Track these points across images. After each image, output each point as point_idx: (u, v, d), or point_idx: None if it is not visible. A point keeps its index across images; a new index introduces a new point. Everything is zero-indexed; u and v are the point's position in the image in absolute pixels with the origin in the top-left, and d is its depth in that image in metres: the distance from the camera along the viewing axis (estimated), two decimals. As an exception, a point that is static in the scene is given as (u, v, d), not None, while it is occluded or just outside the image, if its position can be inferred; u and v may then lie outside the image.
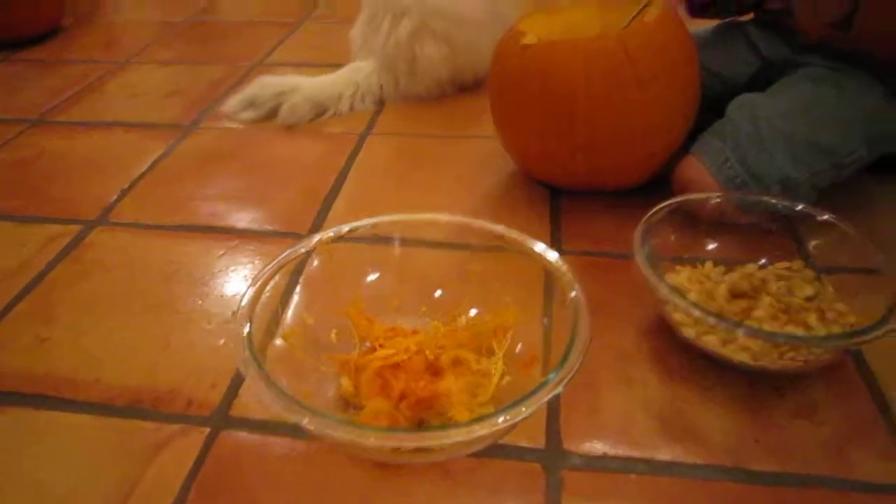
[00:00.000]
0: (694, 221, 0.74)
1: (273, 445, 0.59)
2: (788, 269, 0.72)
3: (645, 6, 0.86)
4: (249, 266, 0.82)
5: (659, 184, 0.85)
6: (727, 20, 1.01)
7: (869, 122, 0.83)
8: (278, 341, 0.60)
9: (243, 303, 0.57)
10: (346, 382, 0.59)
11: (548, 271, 0.61)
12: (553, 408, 0.62)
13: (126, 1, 1.96)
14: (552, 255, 0.61)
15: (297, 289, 0.64)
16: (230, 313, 0.74)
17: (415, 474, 0.57)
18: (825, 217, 0.71)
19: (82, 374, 0.67)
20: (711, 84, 0.89)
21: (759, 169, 0.78)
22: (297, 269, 0.64)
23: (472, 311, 0.66)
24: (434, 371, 0.59)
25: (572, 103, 0.79)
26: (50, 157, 1.09)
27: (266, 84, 1.17)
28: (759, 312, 0.67)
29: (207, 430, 0.61)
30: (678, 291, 0.63)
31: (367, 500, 0.55)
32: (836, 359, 0.65)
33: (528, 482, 0.56)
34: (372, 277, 0.67)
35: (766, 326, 0.65)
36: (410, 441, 0.50)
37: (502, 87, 0.87)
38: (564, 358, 0.51)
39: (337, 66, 1.24)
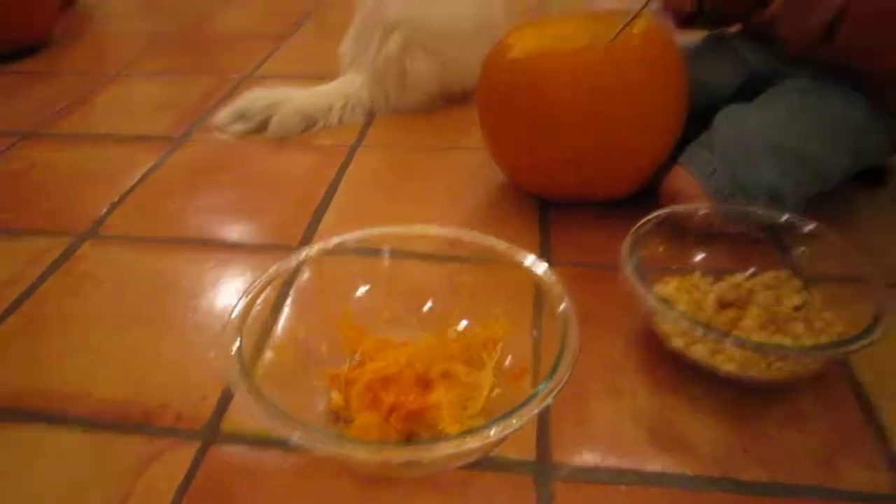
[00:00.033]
0: (682, 232, 0.75)
1: (264, 459, 0.59)
2: (776, 278, 0.73)
3: (632, 18, 0.86)
4: (240, 279, 0.82)
5: (648, 195, 0.85)
6: (714, 32, 1.02)
7: (854, 135, 0.84)
8: (268, 354, 0.60)
9: (233, 316, 0.57)
10: (336, 396, 0.59)
11: (537, 284, 0.61)
12: (543, 419, 0.62)
13: (117, 13, 1.96)
14: (541, 267, 0.62)
15: (288, 302, 0.64)
16: (221, 327, 0.73)
17: (406, 487, 0.57)
18: (812, 226, 0.72)
19: (72, 389, 0.67)
20: (698, 95, 0.90)
21: (746, 180, 0.79)
22: (287, 282, 0.64)
23: (463, 323, 0.66)
24: (424, 384, 0.59)
25: (560, 116, 0.80)
26: (41, 170, 1.09)
27: (256, 96, 1.17)
28: (747, 322, 0.67)
29: (198, 444, 0.61)
30: (666, 303, 0.64)
31: (358, 514, 0.55)
32: (824, 368, 0.66)
33: (518, 494, 0.56)
34: (362, 290, 0.67)
35: (755, 336, 0.65)
36: (401, 455, 0.50)
37: (490, 101, 0.88)
38: (553, 370, 0.51)
39: (327, 78, 1.24)
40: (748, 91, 0.93)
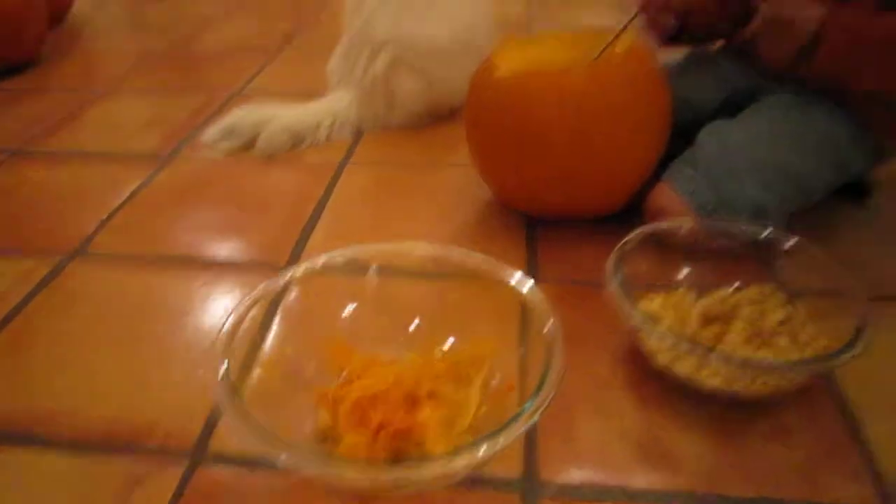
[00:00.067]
0: (666, 248, 0.75)
1: (252, 479, 0.59)
2: (760, 293, 0.73)
3: (615, 38, 0.88)
4: (228, 297, 0.82)
5: (635, 210, 0.86)
6: (697, 49, 1.04)
7: (836, 150, 0.85)
8: (256, 374, 0.60)
9: (221, 336, 0.57)
10: (324, 415, 0.60)
11: (523, 302, 0.62)
12: (530, 437, 0.62)
13: (106, 30, 1.97)
14: (528, 285, 0.62)
15: (275, 321, 0.64)
16: (209, 346, 0.74)
17: (394, 506, 0.57)
18: (795, 241, 0.73)
19: (59, 409, 0.67)
20: (682, 111, 0.91)
21: (729, 195, 0.80)
22: (274, 301, 0.64)
23: (449, 341, 0.66)
24: (412, 402, 0.59)
25: (546, 135, 0.81)
26: (29, 188, 1.08)
27: (244, 114, 1.17)
28: (731, 337, 0.68)
29: (186, 464, 0.61)
30: (650, 320, 0.64)
31: (346, 534, 0.55)
32: (809, 382, 0.66)
33: (506, 512, 0.56)
34: (350, 308, 0.67)
35: (739, 351, 0.66)
36: (389, 475, 0.50)
37: (477, 119, 0.89)
38: (539, 388, 0.52)
39: (316, 95, 1.25)
40: (731, 107, 0.94)
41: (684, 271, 0.77)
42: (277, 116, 1.16)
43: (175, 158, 1.16)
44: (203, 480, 0.59)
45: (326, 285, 0.67)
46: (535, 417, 0.49)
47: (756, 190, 0.80)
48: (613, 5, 2.12)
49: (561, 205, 0.88)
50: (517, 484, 0.58)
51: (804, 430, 0.63)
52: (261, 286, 0.63)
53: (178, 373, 0.71)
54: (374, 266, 0.68)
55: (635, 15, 0.95)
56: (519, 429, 0.49)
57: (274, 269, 0.86)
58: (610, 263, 0.68)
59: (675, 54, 1.04)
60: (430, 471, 0.48)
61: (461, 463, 0.47)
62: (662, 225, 0.76)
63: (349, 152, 1.16)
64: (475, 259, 0.66)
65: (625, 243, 0.72)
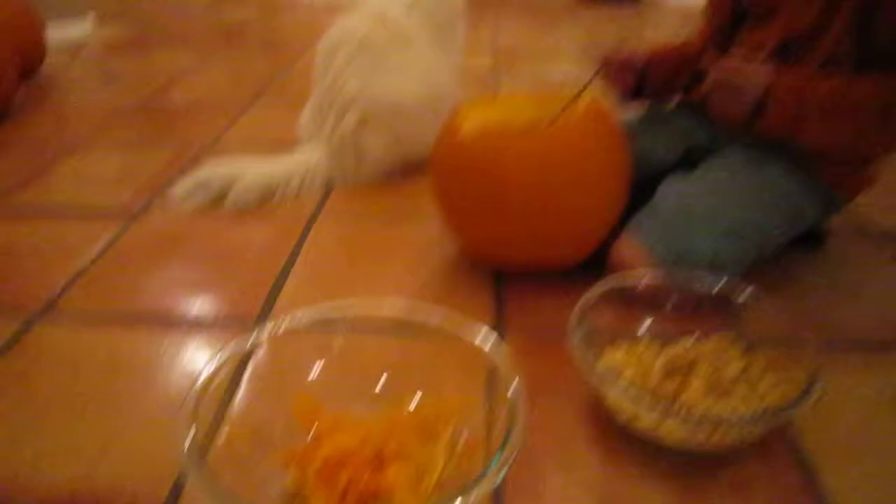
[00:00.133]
0: (629, 300, 0.77)
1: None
2: (719, 343, 0.75)
3: (575, 97, 0.91)
4: (197, 356, 0.82)
5: (599, 260, 0.88)
6: (655, 104, 1.08)
7: (790, 203, 0.89)
8: (224, 435, 0.60)
9: (189, 400, 0.57)
10: (291, 477, 0.60)
11: (489, 360, 0.63)
12: (498, 494, 0.63)
13: (77, 84, 1.98)
14: (494, 342, 0.63)
15: (244, 381, 0.64)
16: (176, 409, 0.73)
17: (361, 568, 0.57)
18: (751, 291, 0.76)
19: (23, 473, 0.66)
20: (642, 165, 0.94)
21: (688, 248, 0.82)
22: (242, 361, 0.65)
23: (417, 397, 0.67)
24: (379, 461, 0.60)
25: (509, 194, 0.83)
26: (-4, 245, 1.08)
27: (215, 169, 1.19)
28: (692, 390, 0.69)
29: (151, 529, 0.60)
30: (612, 376, 0.66)
31: None
32: (768, 431, 0.68)
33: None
34: (317, 367, 0.68)
35: (699, 404, 0.68)
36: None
37: (443, 180, 0.91)
38: (503, 445, 0.53)
39: (287, 147, 1.27)
40: (690, 159, 0.98)
41: (646, 323, 0.79)
42: (248, 171, 1.18)
43: (145, 213, 1.16)
44: (169, 546, 0.59)
45: (294, 344, 0.67)
46: (500, 477, 0.50)
47: (714, 242, 0.83)
48: (579, 58, 2.19)
49: (527, 259, 0.90)
50: (484, 542, 0.58)
51: (763, 483, 0.64)
52: (229, 346, 0.64)
53: (146, 435, 0.70)
54: (341, 325, 0.69)
55: (596, 73, 0.99)
56: (484, 489, 0.50)
57: (243, 326, 0.87)
58: (573, 318, 0.70)
59: (634, 110, 1.08)
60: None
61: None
62: (624, 278, 0.78)
63: (319, 207, 1.17)
64: (441, 316, 0.67)
65: (588, 296, 0.74)
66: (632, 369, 0.72)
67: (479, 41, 2.37)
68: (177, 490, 0.64)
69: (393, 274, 0.98)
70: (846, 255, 1.01)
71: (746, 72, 0.83)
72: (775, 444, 0.68)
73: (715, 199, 0.86)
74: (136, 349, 0.83)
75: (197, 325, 0.88)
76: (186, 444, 0.53)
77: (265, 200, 1.18)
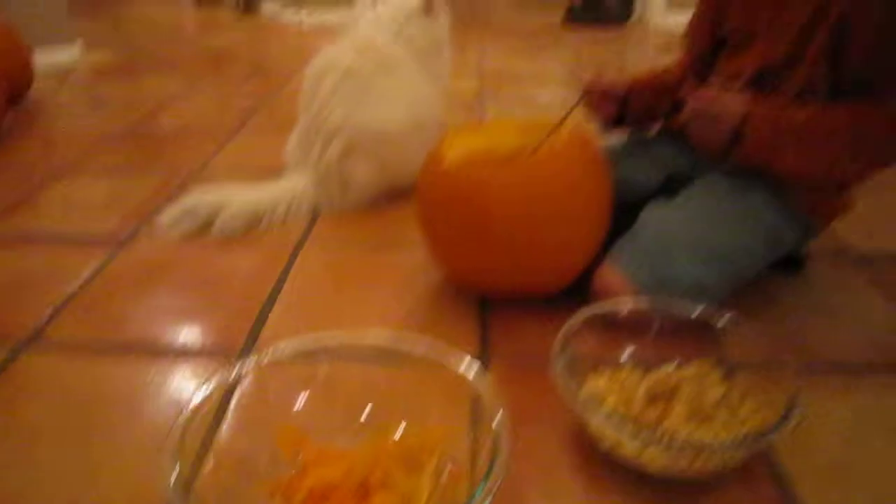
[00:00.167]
0: (611, 327, 0.79)
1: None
2: (700, 369, 0.76)
3: (558, 125, 0.93)
4: (183, 387, 0.82)
5: (583, 286, 0.89)
6: (637, 132, 1.10)
7: (770, 230, 0.91)
8: (209, 467, 0.60)
9: (173, 434, 0.57)
10: (277, 506, 0.60)
11: (473, 389, 0.63)
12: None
13: (65, 110, 1.98)
14: (478, 371, 0.64)
15: (229, 413, 0.65)
16: (163, 438, 0.73)
17: None
18: (730, 317, 0.77)
19: (6, 508, 0.66)
20: (624, 192, 0.95)
21: (669, 274, 0.84)
22: (227, 393, 0.65)
23: (401, 427, 0.67)
24: (365, 490, 0.60)
25: (493, 222, 0.84)
26: (-19, 274, 1.08)
27: (202, 196, 1.19)
28: (674, 416, 0.70)
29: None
30: (594, 404, 0.67)
31: None
32: (749, 456, 0.69)
33: None
34: (302, 397, 0.68)
35: (681, 430, 0.69)
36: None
37: (427, 209, 0.93)
38: (487, 475, 0.54)
39: (274, 172, 1.28)
40: (671, 186, 0.99)
41: (628, 350, 0.80)
42: (235, 198, 1.19)
43: (132, 241, 1.17)
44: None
45: (279, 375, 0.68)
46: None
47: (694, 269, 0.84)
48: (563, 82, 2.22)
49: (511, 286, 0.91)
50: (468, 572, 0.59)
51: (745, 505, 0.65)
52: (214, 377, 0.64)
53: (132, 464, 0.70)
54: (325, 355, 0.69)
55: (579, 101, 1.01)
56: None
57: (230, 354, 0.87)
58: (556, 345, 0.71)
59: (616, 137, 1.10)
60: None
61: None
62: (606, 305, 0.79)
63: (306, 233, 1.18)
64: (425, 345, 0.68)
65: (571, 324, 0.75)
66: (614, 396, 0.73)
67: (466, 64, 2.40)
68: (162, 522, 0.64)
69: (379, 300, 0.99)
70: (825, 279, 1.03)
71: (723, 101, 0.85)
72: (757, 468, 0.69)
73: (696, 227, 0.88)
74: (122, 378, 0.83)
75: (184, 354, 0.88)
76: (172, 479, 0.53)
77: (252, 227, 1.19)
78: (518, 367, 0.84)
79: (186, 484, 0.54)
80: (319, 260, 1.11)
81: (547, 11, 3.48)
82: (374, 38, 1.23)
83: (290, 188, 1.23)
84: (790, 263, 1.02)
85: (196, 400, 0.61)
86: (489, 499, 0.52)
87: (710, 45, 1.00)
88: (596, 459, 0.69)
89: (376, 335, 0.70)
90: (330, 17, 3.15)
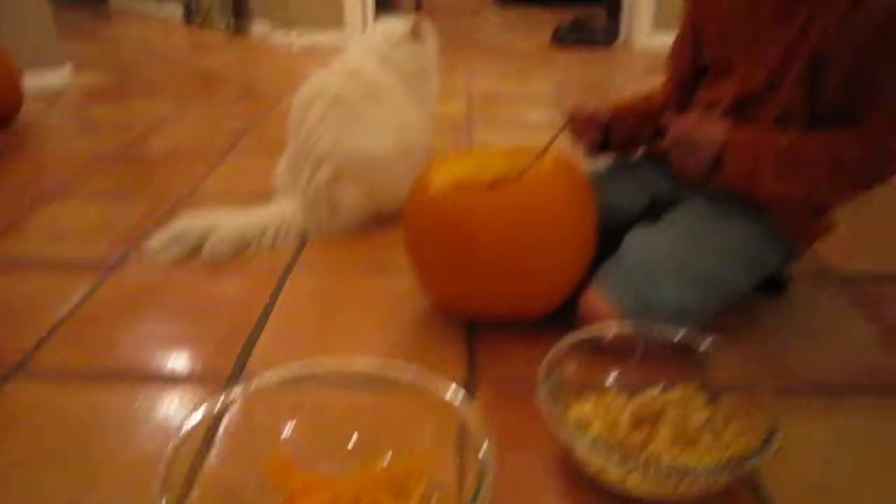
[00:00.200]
0: (596, 351, 0.80)
1: None
2: (684, 393, 0.77)
3: (543, 151, 0.94)
4: (170, 414, 0.82)
5: (569, 309, 0.90)
6: (621, 156, 1.11)
7: (752, 254, 0.92)
8: (196, 496, 0.60)
9: (160, 464, 0.58)
10: (264, 536, 0.60)
11: (460, 417, 0.64)
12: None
13: (56, 132, 1.99)
14: (464, 399, 0.65)
15: (216, 442, 0.65)
16: (150, 465, 0.73)
17: None
18: (713, 340, 0.78)
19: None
20: (609, 215, 0.97)
21: (654, 299, 0.85)
22: (215, 423, 0.65)
23: (388, 455, 0.68)
24: (352, 519, 0.61)
25: (479, 248, 0.86)
26: (-32, 301, 1.08)
27: (191, 220, 1.20)
28: (659, 440, 0.71)
29: None
30: (579, 430, 0.67)
31: None
32: (733, 479, 0.70)
33: None
34: (289, 426, 0.69)
35: (666, 454, 0.70)
36: None
37: (414, 235, 0.94)
38: (473, 502, 0.54)
39: (264, 195, 1.29)
40: (655, 209, 1.01)
41: (613, 374, 0.81)
42: (224, 223, 1.19)
43: (121, 266, 1.17)
44: None
45: (266, 403, 0.68)
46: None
47: (679, 293, 0.86)
48: (552, 103, 2.25)
49: (498, 311, 0.92)
50: None
51: (728, 530, 0.66)
52: (201, 408, 0.64)
53: (120, 492, 0.70)
54: (312, 383, 0.70)
55: (563, 127, 1.03)
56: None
57: (218, 381, 0.87)
58: (541, 372, 0.72)
59: (601, 162, 1.12)
60: None
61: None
62: (591, 330, 0.80)
63: (294, 258, 1.19)
64: (412, 372, 0.69)
65: (556, 350, 0.75)
66: (600, 420, 0.74)
67: (454, 86, 2.42)
68: (150, 551, 0.64)
69: (367, 325, 0.99)
70: (807, 300, 1.05)
71: (704, 129, 0.87)
72: (740, 491, 0.70)
73: (680, 251, 0.89)
74: (110, 406, 0.84)
75: (172, 381, 0.88)
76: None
77: (241, 252, 1.20)
78: (505, 392, 0.85)
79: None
80: (308, 285, 1.11)
81: (535, 33, 3.52)
82: (362, 65, 1.25)
83: (279, 213, 1.24)
84: (772, 285, 1.03)
85: (184, 429, 0.62)
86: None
87: (691, 72, 1.02)
88: (582, 485, 0.70)
89: (363, 362, 0.71)
90: (319, 38, 3.17)
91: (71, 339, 0.97)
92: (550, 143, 0.96)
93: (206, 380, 0.88)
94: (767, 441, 0.65)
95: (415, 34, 1.30)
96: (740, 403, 0.74)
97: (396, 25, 1.31)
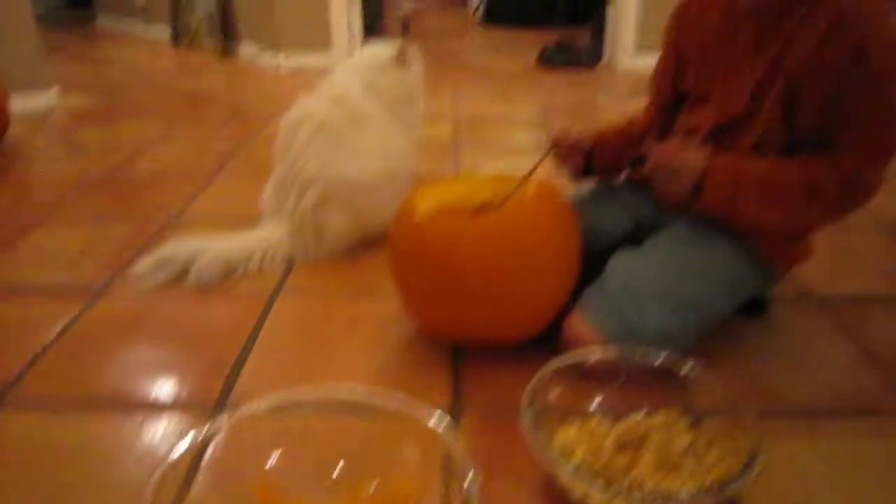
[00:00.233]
0: (580, 376, 0.80)
1: None
2: (667, 417, 0.78)
3: (526, 177, 0.96)
4: (156, 443, 0.82)
5: (554, 333, 0.91)
6: (603, 181, 1.13)
7: (733, 277, 0.94)
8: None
9: (146, 493, 0.58)
10: (249, 567, 0.60)
11: (445, 446, 0.65)
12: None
13: (43, 154, 1.98)
14: (449, 426, 0.65)
15: (200, 472, 0.65)
16: (136, 496, 0.73)
17: None
18: (695, 364, 0.79)
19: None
20: (592, 239, 0.98)
21: (637, 323, 0.86)
22: (200, 453, 0.65)
23: (374, 483, 0.68)
24: (337, 548, 0.61)
25: (463, 273, 0.86)
26: (-47, 327, 1.07)
27: (177, 245, 1.20)
28: (642, 465, 0.72)
29: None
30: (563, 456, 0.68)
31: None
32: (716, 503, 0.70)
33: None
34: (275, 455, 0.69)
35: (649, 479, 0.70)
36: None
37: (398, 262, 0.95)
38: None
39: (250, 222, 1.29)
40: (638, 233, 1.02)
41: (597, 399, 0.81)
42: (210, 247, 1.20)
43: (108, 291, 1.17)
44: None
45: (252, 432, 0.68)
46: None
47: (662, 317, 0.87)
48: (538, 124, 2.27)
49: (483, 336, 0.93)
50: None
51: (712, 555, 0.66)
52: (188, 436, 0.65)
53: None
54: (298, 411, 0.70)
55: (546, 153, 1.04)
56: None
57: (204, 408, 0.87)
58: (524, 399, 0.72)
59: (584, 187, 1.13)
60: None
61: None
62: (573, 356, 0.81)
63: (280, 283, 1.19)
64: (398, 400, 0.69)
65: (540, 375, 0.76)
66: (584, 446, 0.75)
67: (441, 108, 2.44)
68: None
69: (354, 350, 1.00)
70: (788, 322, 1.06)
71: (684, 156, 0.88)
72: (724, 514, 0.71)
73: (663, 276, 0.90)
74: (96, 433, 0.83)
75: (158, 408, 0.88)
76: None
77: (227, 276, 1.20)
78: (490, 418, 0.85)
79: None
80: (294, 309, 1.12)
81: (521, 53, 3.56)
82: (347, 92, 1.26)
83: (266, 237, 1.24)
84: (754, 307, 1.05)
85: (170, 457, 0.62)
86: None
87: (672, 99, 1.04)
88: (565, 510, 0.71)
89: (349, 390, 0.71)
90: (307, 60, 3.19)
91: (56, 366, 0.97)
92: (534, 168, 0.97)
93: (192, 406, 0.88)
94: (749, 465, 0.65)
95: (400, 59, 1.32)
96: (723, 427, 0.75)
97: (382, 50, 1.33)
